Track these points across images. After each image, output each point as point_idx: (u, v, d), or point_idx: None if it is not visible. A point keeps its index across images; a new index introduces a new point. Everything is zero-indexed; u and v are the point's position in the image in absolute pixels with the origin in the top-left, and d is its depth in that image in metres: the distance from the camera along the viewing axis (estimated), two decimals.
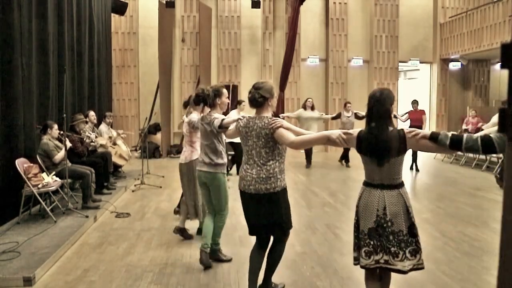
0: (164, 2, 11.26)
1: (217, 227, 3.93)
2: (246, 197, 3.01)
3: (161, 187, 7.46)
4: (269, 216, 2.95)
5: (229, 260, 4.01)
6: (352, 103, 9.92)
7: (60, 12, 6.75)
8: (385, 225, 2.55)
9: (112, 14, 11.08)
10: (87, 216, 5.23)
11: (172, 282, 3.59)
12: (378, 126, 2.55)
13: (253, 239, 4.66)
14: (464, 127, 10.72)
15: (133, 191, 7.22)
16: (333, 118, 9.78)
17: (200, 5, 11.85)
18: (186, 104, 5.09)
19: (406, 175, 9.01)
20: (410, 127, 9.29)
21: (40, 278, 3.65)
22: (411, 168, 9.45)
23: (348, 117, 9.48)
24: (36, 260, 3.84)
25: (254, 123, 2.97)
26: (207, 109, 3.87)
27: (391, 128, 2.56)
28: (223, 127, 3.54)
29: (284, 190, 2.98)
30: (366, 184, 2.67)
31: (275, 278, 3.64)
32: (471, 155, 10.01)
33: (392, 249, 2.54)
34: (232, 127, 3.43)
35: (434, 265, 3.90)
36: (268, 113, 3.02)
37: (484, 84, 13.52)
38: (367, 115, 2.65)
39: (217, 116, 3.66)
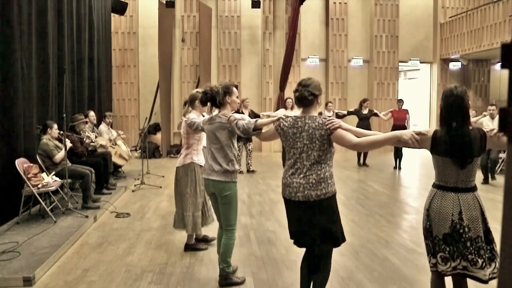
0: (164, 2, 11.26)
1: (226, 246, 3.42)
2: (293, 206, 2.74)
3: (161, 187, 7.46)
4: (320, 225, 2.69)
5: (243, 282, 3.56)
6: (352, 103, 9.93)
7: (60, 12, 6.75)
8: (461, 231, 2.40)
9: (112, 14, 11.08)
10: (87, 216, 5.23)
11: (172, 282, 3.59)
12: (461, 126, 2.40)
13: (253, 240, 4.67)
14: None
15: (133, 191, 7.22)
16: None
17: (200, 5, 11.85)
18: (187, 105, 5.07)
19: (404, 175, 9.01)
20: (393, 126, 9.33)
21: (40, 278, 3.65)
22: (397, 167, 9.58)
23: (329, 116, 9.42)
24: (36, 260, 3.84)
25: (305, 123, 2.70)
26: (215, 109, 3.49)
27: (470, 127, 2.45)
28: (257, 129, 3.07)
29: (334, 196, 2.74)
30: (438, 187, 2.50)
31: (274, 276, 3.64)
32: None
33: (470, 256, 2.39)
34: (267, 128, 3.08)
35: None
36: (316, 112, 2.79)
37: (484, 84, 13.52)
38: (444, 114, 2.47)
39: (239, 117, 3.24)
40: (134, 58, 12.26)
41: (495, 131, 2.41)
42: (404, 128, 9.02)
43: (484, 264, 2.37)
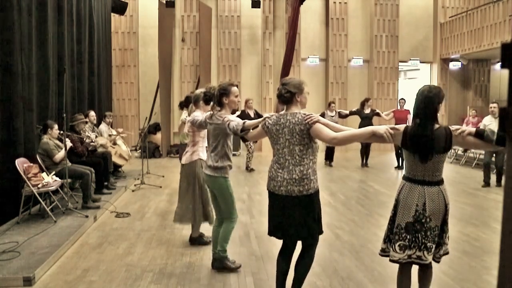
0: (164, 2, 11.26)
1: (224, 231, 3.69)
2: (276, 199, 2.85)
3: (161, 187, 7.46)
4: (300, 220, 2.78)
5: (238, 267, 3.78)
6: (352, 103, 9.93)
7: (60, 12, 6.75)
8: (423, 221, 2.58)
9: (112, 14, 11.08)
10: (87, 216, 5.23)
11: (172, 282, 3.59)
12: (423, 123, 2.55)
13: (253, 239, 4.67)
14: (464, 127, 10.72)
15: (133, 191, 7.22)
16: None
17: (200, 5, 11.85)
18: (182, 105, 5.09)
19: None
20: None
21: (40, 278, 3.65)
22: (399, 167, 9.57)
23: (332, 116, 9.37)
24: (36, 260, 3.84)
25: (286, 119, 2.82)
26: (216, 109, 3.59)
27: (437, 126, 2.57)
28: (245, 130, 3.24)
29: (317, 192, 2.84)
30: (407, 179, 2.66)
31: (274, 276, 3.64)
32: (471, 154, 10.01)
33: (428, 244, 2.59)
34: (256, 128, 3.20)
35: (434, 264, 3.89)
36: (297, 109, 2.86)
37: (484, 84, 13.51)
38: (415, 111, 2.62)
39: (232, 118, 3.38)
40: (134, 58, 12.26)
41: (459, 130, 2.53)
42: None
43: (432, 249, 2.61)
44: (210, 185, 3.66)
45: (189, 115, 4.44)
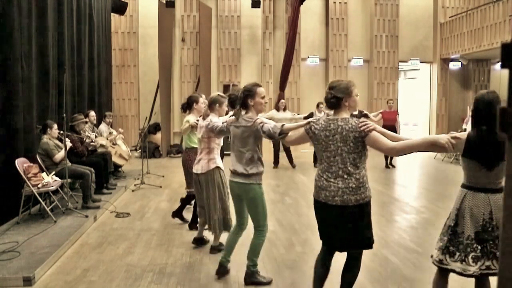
0: (164, 1, 11.26)
1: (255, 244, 3.43)
2: (328, 210, 2.70)
3: (161, 187, 7.46)
4: (357, 230, 2.67)
5: (270, 282, 3.53)
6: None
7: (60, 12, 6.75)
8: (490, 229, 2.47)
9: (112, 14, 11.08)
10: (87, 216, 5.23)
11: (172, 282, 3.59)
12: (489, 129, 2.43)
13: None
14: (464, 126, 10.72)
15: (133, 191, 7.22)
16: (305, 118, 9.66)
17: (200, 5, 11.85)
18: (185, 108, 4.83)
19: (393, 174, 9.00)
20: (382, 127, 9.23)
21: (40, 278, 3.65)
22: (387, 166, 9.55)
23: (320, 117, 9.32)
24: (36, 260, 3.84)
25: (337, 125, 2.67)
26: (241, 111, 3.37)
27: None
28: (283, 133, 3.03)
29: (370, 201, 2.72)
30: (468, 187, 2.54)
31: (274, 276, 3.64)
32: None
33: (497, 253, 2.45)
34: (295, 132, 3.03)
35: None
36: (347, 114, 2.74)
37: (484, 84, 13.51)
38: (476, 118, 2.51)
39: (265, 120, 3.20)
40: (134, 58, 12.26)
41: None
42: (394, 128, 8.80)
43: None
44: (240, 193, 3.37)
45: (203, 118, 4.08)
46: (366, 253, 4.23)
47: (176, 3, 11.79)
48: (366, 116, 9.49)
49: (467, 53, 12.02)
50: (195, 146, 4.63)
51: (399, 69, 13.71)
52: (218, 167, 4.01)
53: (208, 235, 4.52)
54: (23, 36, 5.32)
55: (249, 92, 3.29)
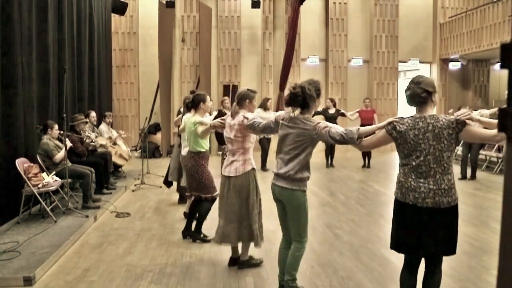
0: (164, 2, 11.26)
1: (295, 257, 3.14)
2: (416, 212, 2.53)
3: (161, 187, 7.46)
4: (447, 234, 2.53)
5: None
6: (352, 103, 9.90)
7: (60, 12, 6.75)
8: None
9: (112, 14, 11.08)
10: (87, 216, 5.24)
11: (172, 282, 3.60)
12: None
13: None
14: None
15: (133, 191, 7.22)
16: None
17: (200, 5, 11.85)
18: (189, 107, 4.60)
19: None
20: (360, 125, 9.25)
21: (40, 278, 3.65)
22: (365, 165, 9.66)
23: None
24: (36, 260, 3.84)
25: (427, 123, 2.52)
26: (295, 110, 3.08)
27: None
28: (360, 138, 2.79)
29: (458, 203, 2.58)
30: None
31: (274, 276, 3.64)
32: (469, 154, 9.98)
33: None
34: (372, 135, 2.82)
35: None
36: (432, 111, 2.58)
37: (484, 84, 13.52)
38: None
39: (330, 124, 2.97)
40: (134, 58, 12.25)
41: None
42: None
43: None
44: (282, 199, 3.12)
45: (232, 116, 3.72)
46: (366, 253, 4.26)
47: (176, 3, 11.78)
48: (343, 115, 9.45)
49: (467, 54, 12.02)
50: (203, 150, 4.45)
51: (399, 69, 13.71)
52: (253, 169, 3.74)
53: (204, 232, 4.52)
54: (23, 36, 5.32)
55: (319, 92, 3.07)
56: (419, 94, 2.56)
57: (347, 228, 5.12)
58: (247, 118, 3.50)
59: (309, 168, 3.09)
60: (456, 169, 8.06)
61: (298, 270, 3.21)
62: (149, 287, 3.50)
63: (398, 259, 4.10)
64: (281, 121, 3.13)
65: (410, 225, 2.57)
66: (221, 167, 4.23)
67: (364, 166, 9.81)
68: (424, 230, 2.53)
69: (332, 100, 9.55)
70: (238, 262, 3.88)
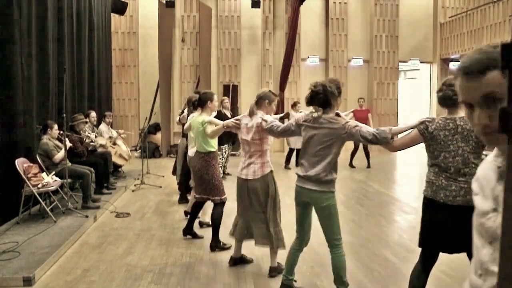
0: (164, 2, 11.26)
1: (339, 264, 3.07)
2: (448, 210, 2.55)
3: (161, 187, 7.46)
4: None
5: None
6: (352, 103, 9.89)
7: (60, 12, 6.74)
8: None
9: (112, 14, 11.08)
10: (87, 216, 5.23)
11: (172, 282, 3.59)
12: None
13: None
14: None
15: (133, 191, 7.22)
16: (281, 118, 9.14)
17: (200, 5, 11.85)
18: (196, 105, 4.47)
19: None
20: None
21: (40, 278, 3.65)
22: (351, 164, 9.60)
23: (299, 117, 9.18)
24: (36, 260, 3.84)
25: (456, 124, 2.57)
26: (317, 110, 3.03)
27: None
28: (393, 137, 2.76)
29: None
30: None
31: (274, 276, 3.64)
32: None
33: None
34: (402, 134, 2.79)
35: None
36: (463, 113, 2.55)
37: None
38: None
39: (360, 124, 2.91)
40: (134, 58, 12.25)
41: None
42: None
43: None
44: (311, 201, 3.05)
45: (250, 116, 3.59)
46: (366, 253, 4.26)
47: (176, 3, 11.78)
48: (337, 115, 9.40)
49: (467, 53, 12.01)
50: (213, 150, 4.30)
51: (399, 69, 13.71)
52: (272, 171, 3.63)
53: (201, 231, 4.52)
54: (23, 36, 5.32)
55: (340, 90, 3.01)
56: (451, 96, 2.57)
57: (347, 228, 5.11)
58: (265, 121, 3.42)
59: (337, 169, 3.04)
60: None
61: (298, 270, 3.21)
62: (149, 287, 3.50)
63: (398, 259, 4.09)
64: (303, 123, 3.07)
65: (439, 222, 2.60)
66: (221, 167, 4.23)
67: (351, 165, 9.71)
68: (453, 227, 2.55)
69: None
70: (269, 269, 3.75)
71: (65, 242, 4.35)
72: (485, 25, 11.03)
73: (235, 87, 12.14)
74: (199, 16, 11.94)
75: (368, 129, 2.85)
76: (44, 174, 5.24)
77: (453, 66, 13.26)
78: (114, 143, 7.86)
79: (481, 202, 1.07)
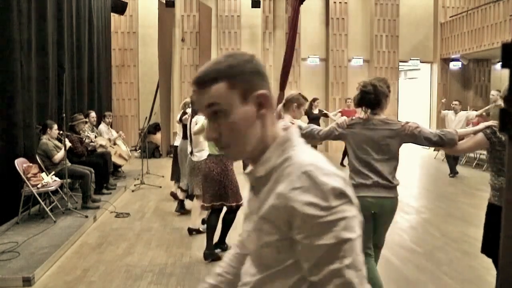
0: (164, 1, 11.25)
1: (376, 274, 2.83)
2: None
3: (161, 187, 7.45)
4: None
5: None
6: (352, 103, 9.85)
7: (59, 12, 6.74)
8: None
9: (112, 14, 11.08)
10: (86, 216, 5.23)
11: (172, 282, 3.59)
12: None
13: None
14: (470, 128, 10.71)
15: (133, 191, 7.21)
16: None
17: (200, 5, 11.84)
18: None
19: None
20: None
21: (39, 278, 3.64)
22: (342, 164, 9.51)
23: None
24: (36, 260, 3.84)
25: None
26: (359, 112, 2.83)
27: None
28: (458, 139, 2.64)
29: None
30: None
31: None
32: (471, 154, 9.99)
33: None
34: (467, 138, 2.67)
35: (434, 265, 3.89)
36: None
37: (484, 84, 13.50)
38: None
39: (421, 125, 2.74)
40: (134, 57, 12.25)
41: None
42: None
43: None
44: (381, 209, 2.77)
45: (280, 117, 3.34)
46: None
47: (176, 3, 11.78)
48: (325, 115, 9.38)
49: (468, 53, 12.01)
50: None
51: (400, 69, 13.69)
52: None
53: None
54: (23, 36, 5.31)
55: (390, 89, 2.85)
56: None
57: None
58: (299, 126, 3.13)
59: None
60: (480, 174, 8.14)
61: None
62: (149, 287, 3.50)
63: (398, 260, 4.09)
64: (350, 127, 2.84)
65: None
66: None
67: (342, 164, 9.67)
68: None
69: (314, 100, 9.37)
70: None
71: (65, 242, 4.35)
72: (485, 25, 11.02)
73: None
74: (199, 16, 11.94)
75: (432, 131, 2.70)
76: (43, 174, 5.24)
77: (453, 66, 13.26)
78: (114, 143, 7.86)
79: None
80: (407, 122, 2.74)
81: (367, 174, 2.75)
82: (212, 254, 4.03)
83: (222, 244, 4.23)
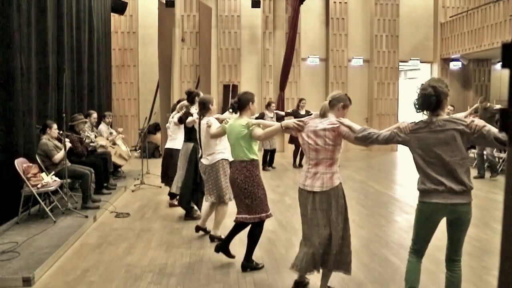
0: (164, 1, 11.25)
1: (459, 282, 2.85)
2: None
3: (161, 187, 7.45)
4: None
5: None
6: (353, 103, 9.84)
7: (59, 12, 6.74)
8: None
9: (112, 14, 11.08)
10: (86, 216, 5.23)
11: (172, 282, 3.59)
12: None
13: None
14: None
15: (133, 191, 7.21)
16: (256, 118, 8.80)
17: (200, 5, 11.84)
18: (235, 107, 3.85)
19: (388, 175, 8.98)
20: None
21: (39, 279, 3.64)
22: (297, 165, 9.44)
23: (271, 117, 9.01)
24: (36, 260, 3.83)
25: None
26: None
27: None
28: None
29: None
30: None
31: (275, 276, 3.63)
32: (471, 155, 9.98)
33: None
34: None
35: (435, 265, 3.89)
36: None
37: (484, 84, 13.51)
38: None
39: (488, 124, 2.57)
40: (134, 58, 12.25)
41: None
42: None
43: None
44: (457, 216, 2.74)
45: (322, 117, 3.17)
46: (366, 253, 4.25)
47: (176, 3, 11.78)
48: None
49: (468, 53, 12.01)
50: (257, 158, 3.76)
51: (400, 69, 13.70)
52: (341, 183, 3.19)
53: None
54: (23, 36, 5.31)
55: (448, 89, 2.74)
56: None
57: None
58: (348, 126, 3.02)
59: None
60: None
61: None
62: (149, 287, 3.50)
63: (398, 259, 4.09)
64: (414, 131, 2.74)
65: None
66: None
67: (295, 165, 9.60)
68: None
69: (300, 101, 9.31)
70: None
71: (65, 242, 4.35)
72: (485, 25, 11.02)
73: (235, 87, 12.14)
74: (199, 16, 11.94)
75: (495, 130, 2.53)
76: (43, 174, 5.24)
77: (453, 66, 13.26)
78: (114, 143, 7.86)
79: None
80: (473, 121, 2.62)
81: (439, 180, 2.67)
82: (249, 266, 3.84)
83: (249, 262, 3.85)
